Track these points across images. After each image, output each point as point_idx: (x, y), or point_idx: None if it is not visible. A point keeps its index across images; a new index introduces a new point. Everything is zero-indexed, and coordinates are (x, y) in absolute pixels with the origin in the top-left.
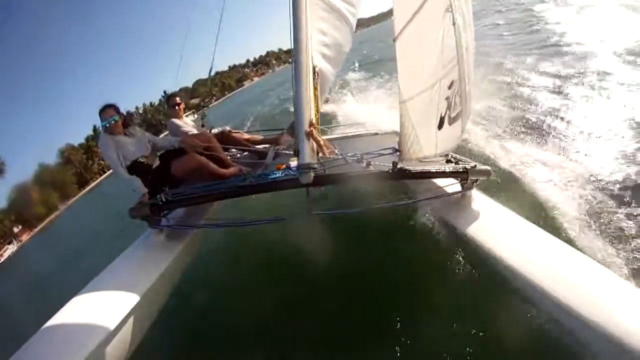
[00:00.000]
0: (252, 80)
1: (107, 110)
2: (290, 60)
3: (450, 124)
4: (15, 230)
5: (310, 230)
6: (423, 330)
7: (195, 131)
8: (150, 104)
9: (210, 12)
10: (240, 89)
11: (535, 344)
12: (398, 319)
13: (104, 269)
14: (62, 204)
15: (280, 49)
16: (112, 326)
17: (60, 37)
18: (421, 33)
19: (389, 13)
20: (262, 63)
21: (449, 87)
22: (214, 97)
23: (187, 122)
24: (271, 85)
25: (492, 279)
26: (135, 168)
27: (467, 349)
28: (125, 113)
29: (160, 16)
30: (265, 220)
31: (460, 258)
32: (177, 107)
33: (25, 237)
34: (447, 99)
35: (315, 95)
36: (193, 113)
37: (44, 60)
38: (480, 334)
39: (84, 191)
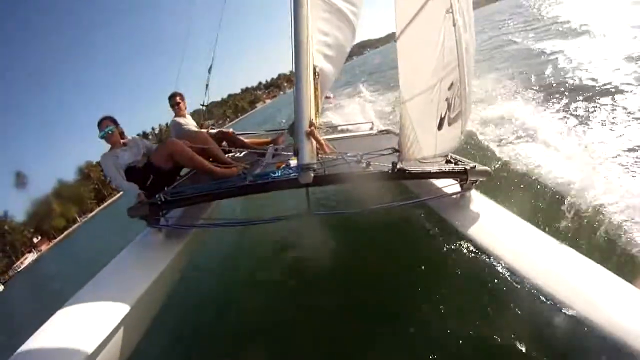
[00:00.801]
0: (265, 102)
1: (104, 121)
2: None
3: (449, 124)
4: (35, 240)
5: (309, 230)
6: (422, 330)
7: (195, 129)
8: (166, 124)
9: (221, 34)
10: (253, 110)
11: (534, 344)
12: (397, 318)
13: (102, 269)
14: (81, 218)
15: (291, 71)
16: (109, 327)
17: (77, 54)
18: (422, 34)
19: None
20: (274, 85)
21: (449, 88)
22: (228, 119)
23: (189, 121)
24: (281, 105)
25: (491, 279)
26: (128, 173)
27: (466, 348)
28: (141, 133)
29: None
30: (265, 220)
31: (459, 258)
32: (177, 106)
33: (44, 247)
34: (447, 100)
35: (316, 95)
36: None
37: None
38: (479, 333)
39: (102, 206)
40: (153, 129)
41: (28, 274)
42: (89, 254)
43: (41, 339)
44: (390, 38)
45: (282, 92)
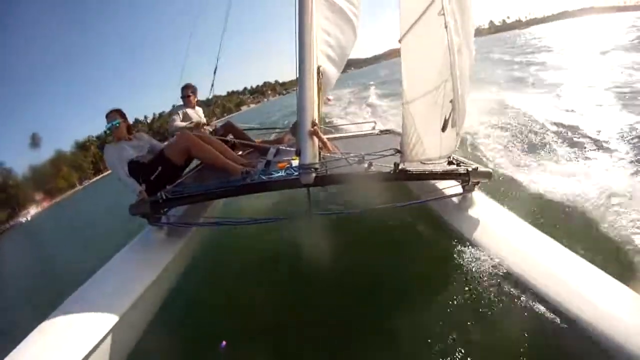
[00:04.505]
0: (249, 106)
1: (112, 114)
2: (284, 91)
3: (452, 126)
4: (38, 198)
5: (310, 230)
6: (422, 331)
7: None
8: (160, 114)
9: (213, 34)
10: (237, 112)
11: (535, 347)
12: (397, 319)
13: (103, 266)
14: (83, 183)
15: (276, 81)
16: (110, 324)
17: (71, 42)
18: (426, 35)
19: (382, 56)
20: (258, 92)
21: (453, 90)
22: (216, 117)
23: (198, 113)
24: (267, 109)
25: (492, 281)
26: (131, 167)
27: (466, 350)
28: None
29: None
30: (266, 220)
31: (460, 260)
32: (188, 98)
33: (46, 204)
34: (451, 101)
35: (319, 96)
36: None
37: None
38: (479, 334)
39: (98, 177)
40: (146, 117)
41: (32, 223)
42: (85, 211)
43: (39, 336)
44: (374, 60)
45: (265, 99)
